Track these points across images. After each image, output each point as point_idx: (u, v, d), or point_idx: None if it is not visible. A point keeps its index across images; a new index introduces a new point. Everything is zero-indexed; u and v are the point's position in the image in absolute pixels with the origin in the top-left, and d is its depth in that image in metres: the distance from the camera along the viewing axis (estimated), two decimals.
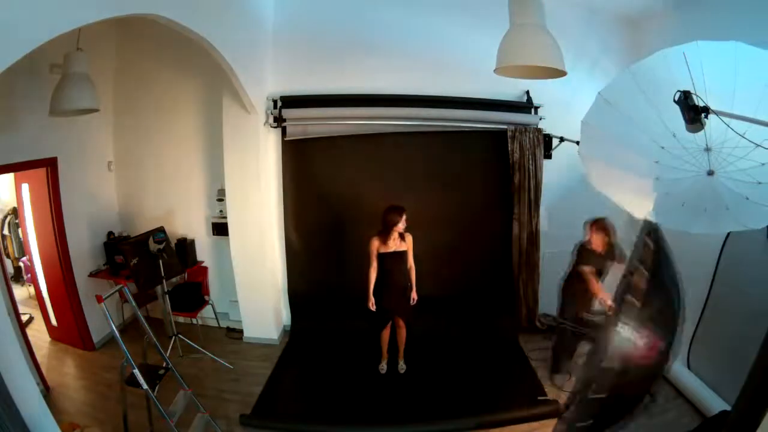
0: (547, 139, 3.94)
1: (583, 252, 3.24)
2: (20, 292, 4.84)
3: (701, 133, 1.82)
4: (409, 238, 3.36)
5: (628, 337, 2.15)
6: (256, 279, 4.06)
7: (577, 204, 3.85)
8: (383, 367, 3.56)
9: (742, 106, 1.77)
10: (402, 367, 3.57)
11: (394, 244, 3.31)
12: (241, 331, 4.23)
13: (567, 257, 3.41)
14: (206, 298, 4.30)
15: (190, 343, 3.81)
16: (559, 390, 3.30)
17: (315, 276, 4.20)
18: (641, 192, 2.24)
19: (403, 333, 3.52)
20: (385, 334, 3.51)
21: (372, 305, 3.33)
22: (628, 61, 2.90)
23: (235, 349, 4.06)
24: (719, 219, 2.00)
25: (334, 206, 4.10)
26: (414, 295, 3.42)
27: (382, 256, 3.32)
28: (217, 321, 4.40)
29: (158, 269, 3.70)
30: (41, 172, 3.56)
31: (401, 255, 3.35)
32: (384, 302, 3.36)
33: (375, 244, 3.31)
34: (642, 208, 2.24)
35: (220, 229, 4.21)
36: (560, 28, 2.55)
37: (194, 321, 4.31)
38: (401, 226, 3.27)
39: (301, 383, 3.49)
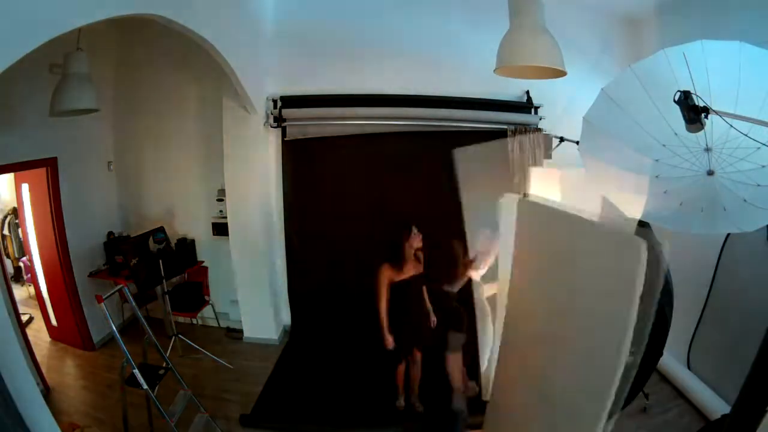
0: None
1: None
2: (20, 292, 4.84)
3: (702, 132, 1.82)
4: (420, 255, 2.95)
5: None
6: (256, 279, 4.06)
7: (577, 204, 3.85)
8: (401, 403, 3.14)
9: (745, 107, 1.77)
10: (419, 405, 3.12)
11: (411, 269, 2.88)
12: (241, 331, 4.23)
13: None
14: (206, 298, 4.29)
15: (190, 343, 3.81)
16: None
17: (315, 276, 4.20)
18: (639, 190, 2.24)
19: (418, 367, 3.05)
20: (402, 368, 3.11)
21: (390, 344, 2.88)
22: (629, 60, 2.90)
23: (235, 349, 4.06)
24: (715, 219, 2.00)
25: (334, 206, 4.10)
26: (433, 317, 2.96)
27: (398, 285, 2.87)
28: (217, 321, 4.40)
29: (158, 269, 3.70)
30: (41, 172, 3.56)
31: (421, 279, 2.90)
32: (405, 336, 2.95)
33: (387, 273, 2.85)
34: (638, 207, 2.24)
35: (220, 229, 4.21)
36: (560, 28, 2.55)
37: (194, 321, 4.31)
38: (414, 244, 2.85)
39: (301, 383, 3.48)
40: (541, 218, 2.08)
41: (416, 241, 2.89)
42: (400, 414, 3.11)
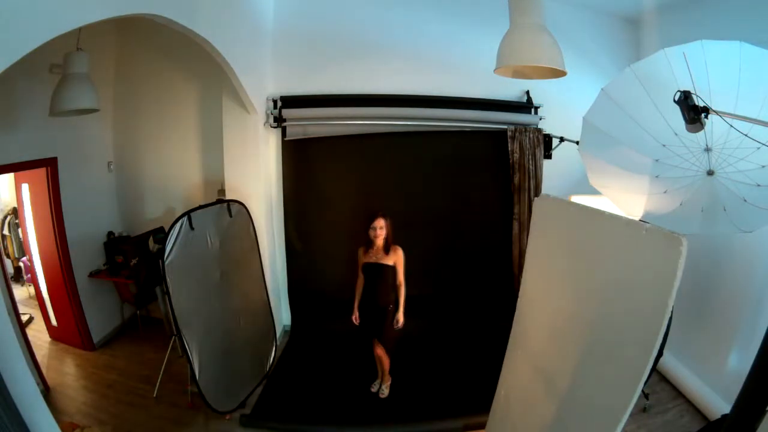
0: (547, 139, 3.94)
1: None
2: (20, 292, 4.84)
3: (702, 132, 1.83)
4: (398, 252, 3.02)
5: None
6: None
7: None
8: (374, 387, 3.33)
9: (745, 107, 1.77)
10: (383, 391, 3.27)
11: (375, 256, 3.03)
12: None
13: None
14: None
15: None
16: None
17: (315, 276, 4.20)
18: (640, 190, 2.25)
19: (383, 357, 3.18)
20: (377, 351, 3.21)
21: (356, 319, 3.13)
22: (628, 60, 2.91)
23: None
24: (715, 220, 2.00)
25: (334, 206, 4.10)
26: (400, 317, 3.03)
27: (365, 267, 3.08)
28: None
29: (158, 269, 3.69)
30: (41, 172, 3.56)
31: (381, 269, 3.01)
32: (363, 319, 3.13)
33: (359, 252, 3.09)
34: (638, 207, 2.24)
35: None
36: (560, 28, 2.56)
37: None
38: (374, 232, 2.97)
39: (301, 383, 3.48)
40: (562, 216, 2.06)
41: (381, 231, 2.99)
42: (383, 399, 3.24)
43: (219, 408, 2.94)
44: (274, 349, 3.75)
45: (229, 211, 3.35)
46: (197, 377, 2.77)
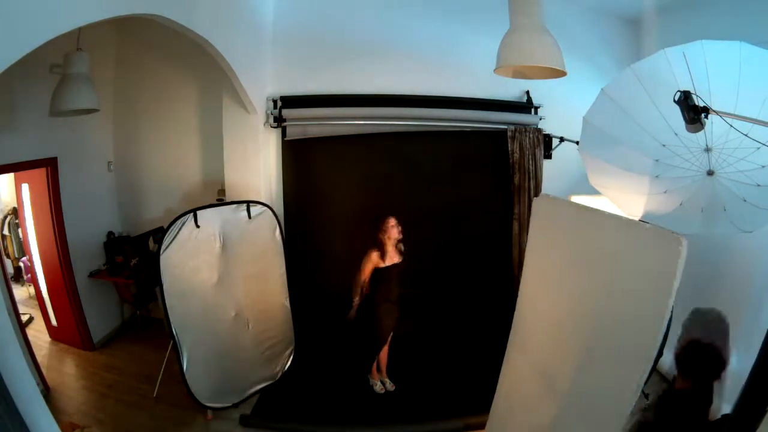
0: (547, 139, 3.94)
1: None
2: (20, 292, 4.84)
3: (702, 133, 1.83)
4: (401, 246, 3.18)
5: None
6: None
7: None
8: (381, 387, 3.38)
9: (745, 107, 1.77)
10: (391, 384, 3.40)
11: (389, 257, 3.12)
12: None
13: None
14: None
15: None
16: None
17: (315, 276, 4.19)
18: (640, 190, 2.25)
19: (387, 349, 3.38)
20: (385, 351, 3.37)
21: (353, 315, 3.15)
22: (629, 60, 2.90)
23: None
24: (715, 220, 2.01)
25: (334, 206, 4.10)
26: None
27: (381, 272, 3.11)
28: None
29: (158, 269, 3.69)
30: (41, 172, 3.56)
31: (399, 268, 3.16)
32: (389, 320, 3.20)
33: (372, 257, 3.08)
34: (638, 207, 2.24)
35: None
36: (560, 28, 2.55)
37: None
38: (395, 230, 3.07)
39: (301, 383, 3.48)
40: (562, 216, 2.06)
41: (394, 231, 3.08)
42: (383, 399, 3.26)
43: (205, 402, 2.96)
44: (290, 355, 3.67)
45: (248, 212, 3.31)
46: (184, 368, 2.84)
